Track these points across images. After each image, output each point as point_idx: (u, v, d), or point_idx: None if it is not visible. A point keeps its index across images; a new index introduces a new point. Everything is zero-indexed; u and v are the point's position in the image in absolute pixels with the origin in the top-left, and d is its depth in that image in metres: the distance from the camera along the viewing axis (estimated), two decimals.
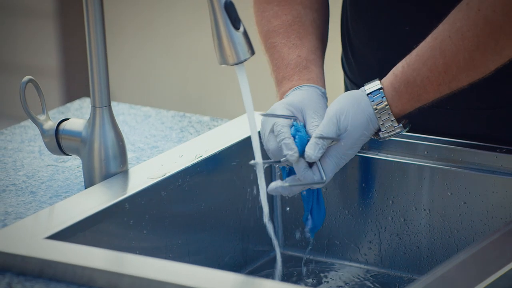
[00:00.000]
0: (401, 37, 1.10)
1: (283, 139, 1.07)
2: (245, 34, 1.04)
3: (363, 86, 1.09)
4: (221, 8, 1.03)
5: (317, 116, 1.09)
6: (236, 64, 1.05)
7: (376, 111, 1.07)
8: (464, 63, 1.03)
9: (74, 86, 3.02)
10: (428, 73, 1.05)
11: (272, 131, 1.08)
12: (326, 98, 1.14)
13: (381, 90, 1.07)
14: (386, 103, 1.06)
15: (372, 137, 1.09)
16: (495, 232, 0.98)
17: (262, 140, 1.10)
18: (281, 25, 1.16)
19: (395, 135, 1.09)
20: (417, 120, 1.11)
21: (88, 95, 1.35)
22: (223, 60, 1.05)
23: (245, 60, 1.04)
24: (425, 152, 1.15)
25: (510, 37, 1.01)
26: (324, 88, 1.14)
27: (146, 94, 2.94)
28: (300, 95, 1.10)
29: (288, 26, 1.16)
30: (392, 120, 1.07)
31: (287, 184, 1.07)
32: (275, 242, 1.11)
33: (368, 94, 1.07)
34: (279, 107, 1.09)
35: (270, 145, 1.09)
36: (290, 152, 1.06)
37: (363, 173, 1.18)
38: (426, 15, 1.05)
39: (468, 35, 1.02)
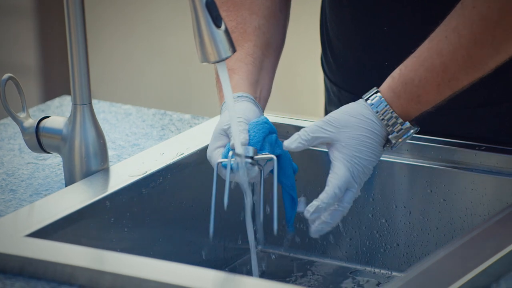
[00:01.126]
0: (379, 37, 1.11)
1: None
2: (226, 32, 1.04)
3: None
4: (202, 6, 1.03)
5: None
6: (218, 62, 1.05)
7: (378, 113, 1.07)
8: (463, 61, 1.03)
9: (53, 84, 3.01)
10: (425, 73, 1.05)
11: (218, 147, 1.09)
12: (252, 99, 1.13)
13: (378, 92, 1.06)
14: (385, 103, 1.06)
15: (387, 147, 1.07)
16: (474, 229, 0.98)
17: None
18: None
19: (407, 136, 1.07)
20: None
21: (67, 93, 1.35)
22: (205, 58, 1.05)
23: (226, 58, 1.05)
24: (406, 150, 1.16)
25: (507, 32, 1.01)
26: (248, 91, 1.13)
27: (127, 92, 2.93)
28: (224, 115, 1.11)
29: (230, 32, 1.17)
30: (396, 118, 1.06)
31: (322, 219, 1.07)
32: (251, 240, 1.11)
33: (366, 100, 1.07)
34: (214, 136, 1.10)
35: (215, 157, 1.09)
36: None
37: None
38: (404, 16, 1.06)
39: (464, 32, 1.02)
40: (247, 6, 1.17)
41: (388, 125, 1.06)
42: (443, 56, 1.04)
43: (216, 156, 1.08)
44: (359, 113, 1.06)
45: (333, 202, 1.05)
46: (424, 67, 1.05)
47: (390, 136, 1.07)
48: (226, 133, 1.09)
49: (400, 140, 1.07)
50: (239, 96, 1.12)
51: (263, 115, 1.13)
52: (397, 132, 1.07)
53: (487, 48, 1.02)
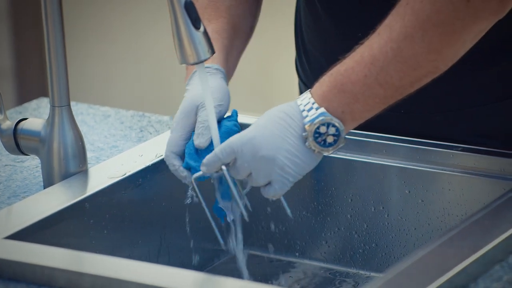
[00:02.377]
0: (353, 42, 1.11)
1: (173, 170, 1.08)
2: (205, 33, 1.05)
3: None
4: (181, 7, 1.04)
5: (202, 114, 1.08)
6: (197, 63, 1.05)
7: (298, 100, 1.04)
8: (392, 53, 1.01)
9: (27, 87, 3.00)
10: (353, 64, 1.03)
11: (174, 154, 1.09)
12: (223, 72, 1.12)
13: (308, 91, 1.04)
14: (307, 92, 1.04)
15: (320, 148, 1.03)
16: (452, 229, 0.99)
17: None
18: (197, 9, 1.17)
19: (326, 125, 1.02)
20: (374, 120, 1.12)
21: (42, 95, 1.34)
22: (184, 60, 1.05)
23: (206, 59, 1.05)
24: (384, 151, 1.17)
25: (437, 28, 1.00)
26: (221, 65, 1.12)
27: (104, 94, 2.92)
28: (195, 88, 1.10)
29: (203, 9, 1.16)
30: (313, 103, 1.02)
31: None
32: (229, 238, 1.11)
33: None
34: (172, 127, 1.09)
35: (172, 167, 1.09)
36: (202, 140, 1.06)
37: (322, 171, 1.19)
38: (378, 21, 1.06)
39: (396, 27, 1.01)
40: None
41: (304, 110, 1.03)
42: (373, 50, 1.02)
43: (173, 160, 1.08)
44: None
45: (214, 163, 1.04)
46: (353, 60, 1.03)
47: (304, 121, 1.02)
48: (196, 109, 1.08)
49: (320, 129, 1.02)
50: (216, 69, 1.12)
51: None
52: (309, 113, 1.02)
53: (417, 43, 1.00)
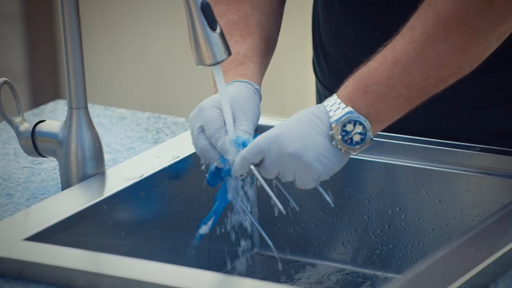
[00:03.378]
0: (371, 42, 1.11)
1: (220, 143, 1.05)
2: (222, 35, 1.05)
3: (335, 90, 1.09)
4: (197, 9, 1.04)
5: (245, 118, 1.07)
6: (213, 64, 1.05)
7: (324, 102, 1.04)
8: (414, 54, 1.01)
9: (40, 90, 3.01)
10: (376, 65, 1.03)
11: (202, 129, 1.07)
12: (260, 95, 1.12)
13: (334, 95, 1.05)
14: (334, 95, 1.05)
15: (347, 147, 1.03)
16: (471, 229, 0.99)
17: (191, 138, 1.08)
18: (226, 24, 1.16)
19: (353, 123, 1.02)
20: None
21: (55, 98, 1.35)
22: (200, 61, 1.05)
23: (222, 60, 1.05)
24: (400, 151, 1.17)
25: (460, 28, 1.00)
26: (259, 85, 1.13)
27: (120, 96, 2.93)
28: (231, 92, 1.09)
29: (233, 24, 1.16)
30: (339, 103, 1.03)
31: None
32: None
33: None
34: (206, 106, 1.08)
35: (199, 144, 1.07)
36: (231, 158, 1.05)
37: (339, 172, 1.18)
38: (396, 21, 1.06)
39: (418, 28, 1.01)
40: (248, 1, 1.17)
41: (331, 110, 1.03)
42: (396, 51, 1.02)
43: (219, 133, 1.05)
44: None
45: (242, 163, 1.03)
46: (376, 62, 1.03)
47: (331, 120, 1.02)
48: (219, 107, 1.07)
49: (346, 127, 1.02)
50: (256, 89, 1.11)
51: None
52: (336, 112, 1.02)
53: (440, 43, 1.00)
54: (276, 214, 1.15)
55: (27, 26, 2.99)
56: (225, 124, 1.07)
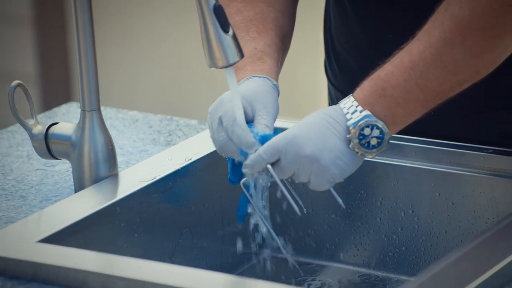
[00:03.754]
0: (383, 44, 1.11)
1: (237, 134, 1.04)
2: (234, 37, 1.05)
3: (347, 92, 1.09)
4: (210, 11, 1.04)
5: (265, 112, 1.07)
6: (226, 67, 1.05)
7: (340, 104, 1.04)
8: (431, 59, 1.01)
9: (51, 92, 3.01)
10: (393, 69, 1.03)
11: (220, 122, 1.07)
12: (278, 91, 1.12)
13: (351, 95, 1.05)
14: (350, 97, 1.04)
15: (363, 151, 1.03)
16: (486, 231, 0.99)
17: (210, 132, 1.07)
18: (242, 20, 1.16)
19: (371, 127, 1.02)
20: None
21: (66, 101, 1.35)
22: (213, 63, 1.05)
23: (234, 63, 1.05)
24: (413, 153, 1.16)
25: (477, 33, 1.00)
26: (276, 80, 1.12)
27: (132, 98, 2.94)
28: (250, 87, 1.09)
29: (249, 21, 1.16)
30: (356, 106, 1.03)
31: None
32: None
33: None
34: (226, 97, 1.07)
35: (218, 137, 1.06)
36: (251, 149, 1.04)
37: (351, 175, 1.18)
38: (408, 23, 1.06)
39: (435, 33, 1.01)
40: None
41: (348, 113, 1.03)
42: (413, 55, 1.02)
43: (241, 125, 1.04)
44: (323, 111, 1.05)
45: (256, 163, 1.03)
46: (393, 65, 1.03)
47: (348, 123, 1.02)
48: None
49: (364, 131, 1.02)
50: (274, 84, 1.11)
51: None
52: (353, 115, 1.02)
53: (457, 48, 1.00)
54: (287, 216, 1.15)
55: (39, 30, 3.00)
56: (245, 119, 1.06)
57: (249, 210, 1.10)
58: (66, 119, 1.35)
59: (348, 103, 1.05)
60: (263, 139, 1.06)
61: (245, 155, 1.06)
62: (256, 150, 1.05)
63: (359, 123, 1.03)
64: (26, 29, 2.98)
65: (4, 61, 3.01)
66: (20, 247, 0.99)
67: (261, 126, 1.07)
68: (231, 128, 1.05)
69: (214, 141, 1.08)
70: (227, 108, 1.06)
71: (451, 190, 1.14)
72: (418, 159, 1.16)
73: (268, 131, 1.07)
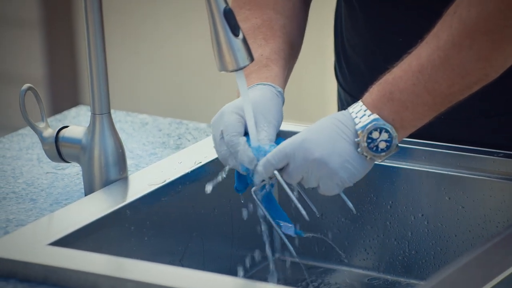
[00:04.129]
0: (394, 47, 1.11)
1: (236, 150, 1.05)
2: (244, 41, 1.05)
3: (357, 95, 1.09)
4: (220, 15, 1.04)
5: (266, 123, 1.07)
6: (236, 70, 1.05)
7: (349, 108, 1.04)
8: (440, 62, 1.01)
9: (60, 96, 3.02)
10: (401, 73, 1.03)
11: (222, 135, 1.07)
12: (283, 98, 1.12)
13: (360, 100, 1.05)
14: (358, 101, 1.04)
15: (372, 154, 1.03)
16: (495, 235, 0.99)
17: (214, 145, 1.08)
18: (249, 28, 1.16)
19: (379, 130, 1.01)
20: None
21: (75, 104, 1.36)
22: (223, 67, 1.06)
23: (245, 66, 1.05)
24: (423, 157, 1.16)
25: (485, 36, 1.00)
26: (282, 87, 1.12)
27: (140, 101, 2.94)
28: (253, 97, 1.09)
29: (256, 28, 1.16)
30: (365, 110, 1.03)
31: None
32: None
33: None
34: (227, 110, 1.08)
35: (220, 150, 1.07)
36: (251, 165, 1.05)
37: (362, 178, 1.18)
38: (419, 27, 1.06)
39: (443, 36, 1.01)
40: (271, 6, 1.18)
41: (357, 117, 1.03)
42: (421, 58, 1.02)
43: (240, 140, 1.05)
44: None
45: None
46: (401, 69, 1.03)
47: (356, 127, 1.02)
48: (240, 113, 1.07)
49: (372, 134, 1.02)
50: (279, 91, 1.11)
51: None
52: (361, 119, 1.02)
53: (465, 51, 1.00)
54: (297, 220, 1.15)
55: (47, 33, 3.00)
56: (246, 131, 1.07)
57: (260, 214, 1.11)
58: (75, 122, 1.36)
59: (357, 107, 1.05)
60: (258, 153, 1.06)
61: (247, 170, 1.07)
62: (255, 165, 1.05)
63: (367, 127, 1.03)
64: (34, 32, 2.99)
65: (12, 64, 3.02)
66: (30, 250, 0.99)
67: (262, 138, 1.07)
68: (231, 143, 1.06)
69: (217, 153, 1.09)
70: (227, 122, 1.07)
71: (461, 194, 1.14)
72: (428, 163, 1.16)
73: (268, 143, 1.07)
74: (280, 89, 1.12)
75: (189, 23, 2.83)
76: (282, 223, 1.09)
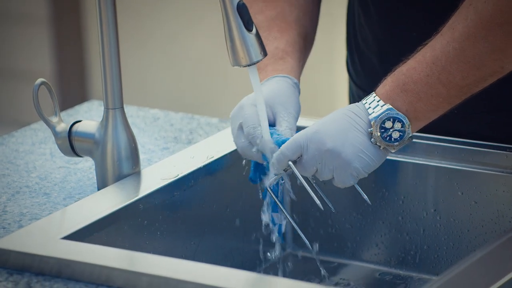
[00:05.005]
0: (408, 42, 1.11)
1: (257, 141, 1.06)
2: (258, 35, 1.05)
3: (370, 90, 1.09)
4: (233, 10, 1.04)
5: (286, 113, 1.08)
6: (249, 65, 1.05)
7: (363, 100, 1.05)
8: (454, 53, 1.01)
9: (69, 91, 3.02)
10: (415, 64, 1.03)
11: (241, 128, 1.08)
12: (299, 89, 1.13)
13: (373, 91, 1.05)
14: (372, 93, 1.05)
15: (385, 144, 1.03)
16: (509, 230, 0.98)
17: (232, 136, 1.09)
18: (264, 20, 1.17)
19: (393, 120, 1.02)
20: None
21: (83, 99, 1.36)
22: (236, 62, 1.06)
23: (258, 61, 1.05)
24: (436, 152, 1.16)
25: (501, 27, 0.99)
26: (297, 79, 1.13)
27: (151, 96, 2.94)
28: (271, 88, 1.10)
29: (271, 20, 1.17)
30: (378, 101, 1.03)
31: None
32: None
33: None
34: (246, 103, 1.09)
35: (239, 142, 1.08)
36: (273, 156, 1.06)
37: (373, 173, 1.18)
38: (432, 22, 1.06)
39: (458, 27, 1.01)
40: None
41: (370, 107, 1.04)
42: (435, 50, 1.02)
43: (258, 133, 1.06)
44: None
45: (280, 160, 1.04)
46: (415, 60, 1.03)
47: (370, 117, 1.03)
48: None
49: (385, 124, 1.02)
50: (295, 83, 1.12)
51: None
52: (375, 110, 1.02)
53: (480, 43, 1.00)
54: (309, 215, 1.15)
55: (55, 29, 3.01)
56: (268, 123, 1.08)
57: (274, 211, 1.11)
58: (87, 117, 1.36)
59: (370, 98, 1.05)
60: (277, 144, 1.06)
61: (267, 160, 1.07)
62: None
63: (380, 116, 1.03)
64: (43, 29, 2.99)
65: (21, 60, 3.02)
66: (45, 244, 1.00)
67: (284, 129, 1.08)
68: (252, 135, 1.07)
69: (236, 145, 1.10)
70: (247, 115, 1.08)
71: (474, 189, 1.14)
72: (441, 158, 1.16)
73: (289, 134, 1.07)
74: (296, 80, 1.13)
75: (201, 17, 2.82)
76: (276, 217, 1.10)
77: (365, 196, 1.06)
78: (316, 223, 1.22)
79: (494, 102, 1.18)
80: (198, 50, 2.85)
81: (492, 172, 1.13)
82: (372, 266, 1.20)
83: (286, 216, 1.10)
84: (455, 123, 1.18)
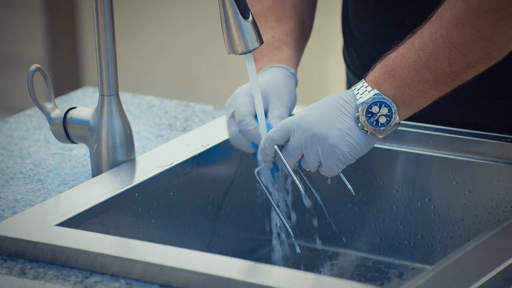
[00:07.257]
0: (400, 29, 1.11)
1: (247, 129, 1.07)
2: (254, 23, 1.05)
3: (363, 75, 1.09)
4: None
5: (279, 102, 1.09)
6: (245, 53, 1.05)
7: (352, 87, 1.06)
8: (442, 40, 1.01)
9: (62, 78, 3.02)
10: (403, 51, 1.04)
11: (233, 116, 1.09)
12: (296, 79, 1.13)
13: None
14: (362, 80, 1.05)
15: (372, 129, 1.04)
16: (503, 220, 0.99)
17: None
18: (261, 9, 1.17)
19: (379, 104, 1.02)
20: (421, 110, 1.11)
21: (76, 87, 1.36)
22: (232, 49, 1.05)
23: (254, 49, 1.05)
24: (431, 142, 1.16)
25: (489, 15, 1.00)
26: (294, 68, 1.14)
27: (147, 83, 2.93)
28: (265, 78, 1.10)
29: (267, 9, 1.17)
30: (366, 86, 1.04)
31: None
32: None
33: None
34: (240, 93, 1.09)
35: (230, 130, 1.09)
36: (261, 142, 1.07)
37: (367, 162, 1.19)
38: (425, 9, 1.06)
39: (446, 15, 1.02)
40: None
41: (358, 93, 1.04)
42: (423, 37, 1.03)
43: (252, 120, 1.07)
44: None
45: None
46: (404, 46, 1.04)
47: (357, 102, 1.03)
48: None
49: (372, 108, 1.02)
50: (292, 73, 1.13)
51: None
52: (362, 95, 1.03)
53: (468, 29, 1.00)
54: (303, 204, 1.15)
55: (49, 15, 3.00)
56: (255, 112, 1.08)
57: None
58: (82, 104, 1.35)
59: (359, 85, 1.06)
60: (268, 131, 1.07)
61: (256, 147, 1.08)
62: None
63: (367, 101, 1.04)
64: (36, 15, 2.98)
65: (14, 46, 3.01)
66: (39, 231, 0.99)
67: (274, 117, 1.08)
68: (242, 123, 1.08)
69: (228, 134, 1.10)
70: (239, 103, 1.09)
71: (468, 179, 1.14)
72: (435, 148, 1.16)
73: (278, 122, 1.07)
74: (293, 70, 1.13)
75: (197, 4, 2.82)
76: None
77: (350, 187, 1.07)
78: (310, 214, 1.22)
79: (488, 91, 1.18)
80: (193, 37, 2.84)
81: (486, 162, 1.13)
82: (366, 255, 1.20)
83: (273, 206, 1.10)
84: (449, 112, 1.18)
